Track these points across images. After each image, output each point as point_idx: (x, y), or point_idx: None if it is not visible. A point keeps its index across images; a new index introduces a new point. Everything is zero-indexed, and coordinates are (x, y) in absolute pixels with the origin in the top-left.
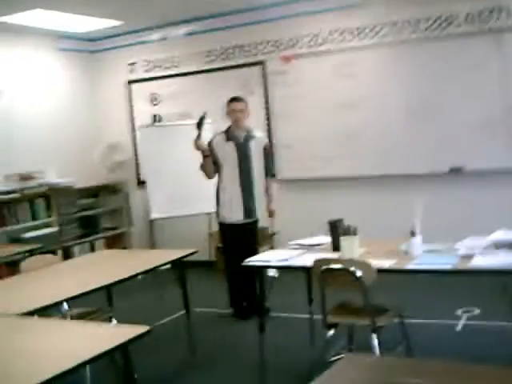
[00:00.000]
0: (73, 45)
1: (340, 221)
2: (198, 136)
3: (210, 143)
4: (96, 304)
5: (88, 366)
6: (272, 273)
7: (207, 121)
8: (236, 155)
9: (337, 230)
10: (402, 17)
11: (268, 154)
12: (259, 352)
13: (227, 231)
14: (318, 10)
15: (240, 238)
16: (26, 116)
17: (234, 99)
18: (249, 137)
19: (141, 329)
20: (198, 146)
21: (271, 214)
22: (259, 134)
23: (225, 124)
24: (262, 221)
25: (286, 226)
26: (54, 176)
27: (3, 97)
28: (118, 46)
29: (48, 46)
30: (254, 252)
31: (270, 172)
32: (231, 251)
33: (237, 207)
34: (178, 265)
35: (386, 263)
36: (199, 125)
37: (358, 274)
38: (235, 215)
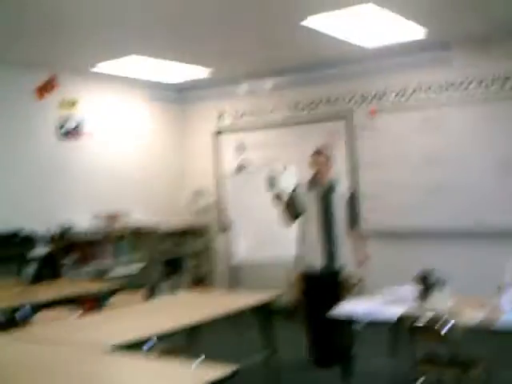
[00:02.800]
0: (163, 95)
1: (431, 271)
2: (276, 196)
3: (293, 191)
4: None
5: None
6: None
7: (283, 176)
8: (317, 205)
9: (427, 280)
10: (489, 73)
11: (352, 204)
12: None
13: (309, 280)
14: (406, 64)
15: (323, 287)
16: (115, 159)
17: (316, 152)
18: (331, 188)
19: (228, 369)
20: (277, 202)
21: (360, 263)
22: (342, 186)
23: (309, 173)
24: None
25: (371, 275)
26: (139, 217)
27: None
28: (206, 97)
29: (139, 95)
30: (337, 301)
31: (354, 222)
32: (313, 301)
33: (317, 254)
34: (261, 308)
35: (476, 316)
36: (271, 185)
37: (448, 327)
38: (316, 262)
